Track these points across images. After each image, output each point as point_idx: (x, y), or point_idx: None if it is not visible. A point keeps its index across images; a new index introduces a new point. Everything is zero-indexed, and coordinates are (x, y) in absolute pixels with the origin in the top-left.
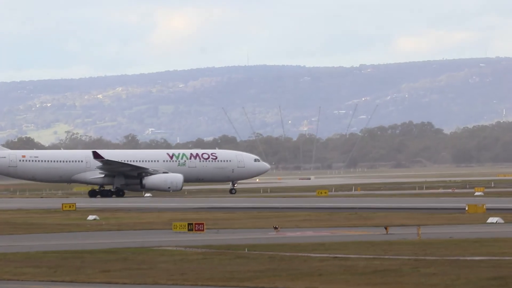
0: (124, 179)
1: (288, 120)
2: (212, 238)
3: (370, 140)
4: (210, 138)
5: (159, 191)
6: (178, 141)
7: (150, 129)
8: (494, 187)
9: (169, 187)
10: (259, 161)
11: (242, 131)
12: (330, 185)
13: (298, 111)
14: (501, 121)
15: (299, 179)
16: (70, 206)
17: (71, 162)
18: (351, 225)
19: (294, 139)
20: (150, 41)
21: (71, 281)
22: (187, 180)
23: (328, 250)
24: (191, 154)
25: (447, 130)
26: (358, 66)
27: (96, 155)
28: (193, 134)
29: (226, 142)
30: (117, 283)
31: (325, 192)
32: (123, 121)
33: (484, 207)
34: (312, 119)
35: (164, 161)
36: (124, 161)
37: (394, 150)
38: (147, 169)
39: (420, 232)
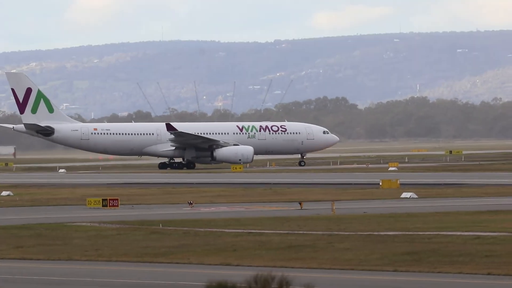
0: (195, 151)
1: (203, 95)
2: (126, 214)
3: (285, 115)
4: (125, 113)
5: (230, 163)
6: (92, 117)
7: (64, 104)
8: (407, 162)
9: (240, 159)
10: (328, 133)
11: (157, 107)
12: None
13: (213, 87)
14: (415, 96)
15: None
16: None
17: (142, 135)
18: (265, 200)
19: (209, 114)
20: (65, 17)
21: None
22: (257, 152)
23: (242, 226)
24: (260, 126)
25: (361, 106)
26: (273, 41)
27: (170, 127)
28: (108, 109)
29: (141, 117)
30: (31, 259)
31: (240, 168)
32: None
33: (398, 182)
34: (227, 94)
35: (234, 133)
36: (195, 133)
37: None
38: (218, 141)
39: (334, 207)
